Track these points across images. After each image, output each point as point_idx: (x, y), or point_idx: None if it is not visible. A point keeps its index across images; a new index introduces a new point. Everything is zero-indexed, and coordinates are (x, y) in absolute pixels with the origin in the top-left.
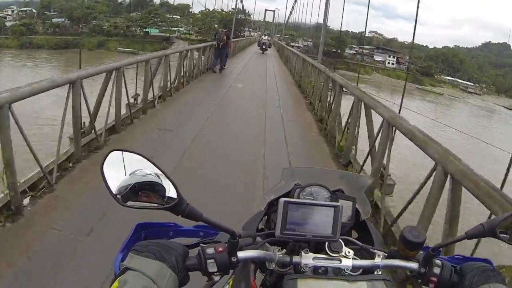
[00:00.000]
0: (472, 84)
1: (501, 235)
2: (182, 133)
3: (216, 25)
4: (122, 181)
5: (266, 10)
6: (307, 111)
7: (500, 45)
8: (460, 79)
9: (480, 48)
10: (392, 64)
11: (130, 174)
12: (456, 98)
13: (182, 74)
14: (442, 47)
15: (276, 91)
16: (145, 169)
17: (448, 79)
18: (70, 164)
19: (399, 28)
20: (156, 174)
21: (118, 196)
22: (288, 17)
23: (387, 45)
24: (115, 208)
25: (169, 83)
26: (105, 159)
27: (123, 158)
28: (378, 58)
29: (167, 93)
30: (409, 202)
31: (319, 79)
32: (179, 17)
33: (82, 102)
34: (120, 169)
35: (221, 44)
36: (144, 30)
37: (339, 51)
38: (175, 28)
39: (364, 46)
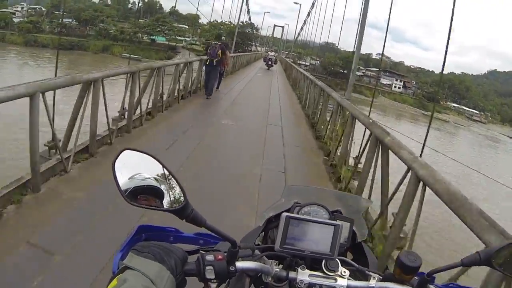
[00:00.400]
0: (477, 112)
1: (496, 264)
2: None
3: (223, 37)
4: (126, 182)
5: (275, 25)
6: (330, 181)
7: (506, 73)
8: (466, 107)
9: (485, 76)
10: (399, 88)
11: (135, 176)
12: (461, 126)
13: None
14: (448, 73)
15: (280, 136)
16: (154, 171)
17: (454, 106)
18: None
19: (406, 51)
20: (164, 176)
21: (129, 193)
22: (298, 33)
23: (394, 68)
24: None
25: (162, 98)
26: (117, 157)
27: (134, 158)
28: (385, 81)
29: (157, 110)
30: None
31: (351, 132)
32: (187, 26)
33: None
34: (130, 168)
35: (215, 60)
36: (151, 37)
37: (345, 71)
38: (182, 38)
39: (372, 69)
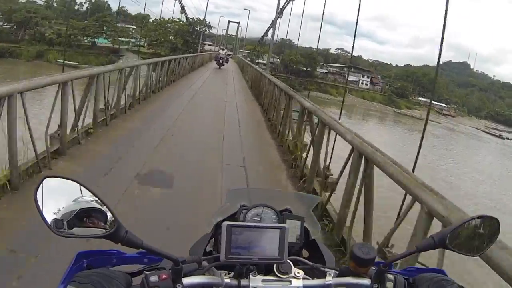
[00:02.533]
0: (446, 105)
1: (451, 245)
2: None
3: (171, 37)
4: (60, 208)
5: (229, 21)
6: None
7: (460, 64)
8: (425, 98)
9: (441, 67)
10: (366, 84)
11: (69, 201)
12: (437, 123)
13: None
14: (404, 65)
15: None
16: (83, 196)
17: (423, 101)
18: None
19: (361, 45)
20: (94, 200)
21: (57, 223)
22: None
23: (354, 63)
24: None
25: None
26: (38, 186)
27: (57, 185)
28: (351, 77)
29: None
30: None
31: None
32: (134, 27)
33: None
34: (56, 196)
35: None
36: (91, 40)
37: (309, 69)
38: (126, 39)
39: (334, 65)
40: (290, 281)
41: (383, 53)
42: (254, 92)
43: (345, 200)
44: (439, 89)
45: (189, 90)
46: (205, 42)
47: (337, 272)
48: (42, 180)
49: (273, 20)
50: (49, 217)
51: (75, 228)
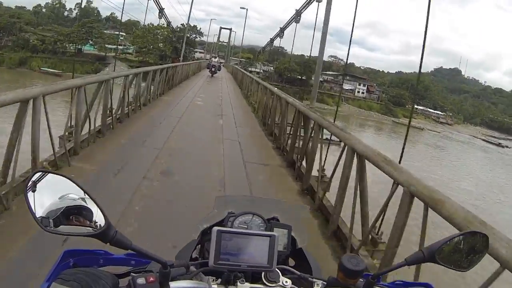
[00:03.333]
0: (441, 113)
1: (440, 260)
2: None
3: (161, 44)
4: (50, 204)
5: (221, 28)
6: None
7: (451, 70)
8: (426, 107)
9: (432, 73)
10: (362, 93)
11: (62, 196)
12: (436, 132)
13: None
14: (396, 72)
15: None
16: (73, 193)
17: (420, 109)
18: None
19: (352, 53)
20: (81, 198)
21: (45, 220)
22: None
23: (347, 71)
24: None
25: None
26: (29, 180)
27: (48, 180)
28: (347, 86)
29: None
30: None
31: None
32: (124, 33)
33: None
34: (46, 192)
35: None
36: (78, 46)
37: (304, 78)
38: (113, 46)
39: (329, 72)
40: None
41: (374, 60)
42: (249, 101)
43: (341, 190)
44: (434, 96)
45: (183, 101)
46: (196, 50)
47: (325, 283)
48: (33, 174)
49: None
50: (38, 212)
51: (61, 226)
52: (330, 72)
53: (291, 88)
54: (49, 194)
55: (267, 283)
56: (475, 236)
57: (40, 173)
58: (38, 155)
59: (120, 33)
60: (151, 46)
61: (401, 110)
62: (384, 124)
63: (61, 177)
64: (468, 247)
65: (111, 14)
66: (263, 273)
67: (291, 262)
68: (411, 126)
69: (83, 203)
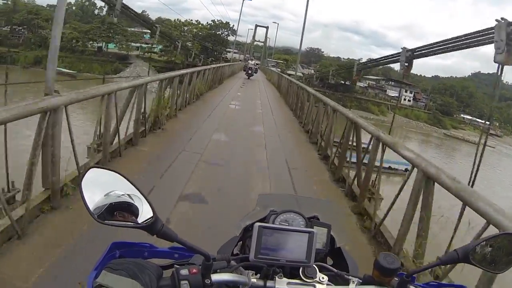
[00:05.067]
0: (488, 123)
1: (474, 261)
2: None
3: (189, 43)
4: (100, 199)
5: (256, 25)
6: None
7: (489, 75)
8: (469, 115)
9: (470, 78)
10: (409, 100)
11: (108, 193)
12: (491, 147)
13: None
14: (432, 76)
15: None
16: (123, 188)
17: (466, 119)
18: None
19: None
20: (133, 194)
21: (94, 214)
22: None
23: (387, 75)
24: None
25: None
26: (83, 176)
27: (101, 176)
28: (392, 92)
29: None
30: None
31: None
32: (149, 31)
33: None
34: (99, 186)
35: None
36: (98, 44)
37: (347, 83)
38: (137, 44)
39: (373, 77)
40: (314, 286)
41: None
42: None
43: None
44: (479, 104)
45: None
46: (229, 49)
47: (361, 281)
48: (87, 170)
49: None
50: (93, 205)
51: (105, 221)
52: (373, 77)
53: (333, 94)
54: (100, 189)
55: (304, 279)
56: (510, 238)
57: (95, 169)
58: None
59: (145, 30)
60: (178, 45)
61: (449, 120)
62: (436, 138)
63: (113, 172)
64: (504, 248)
65: (142, 11)
66: (301, 269)
67: (330, 261)
68: (463, 139)
69: (128, 199)
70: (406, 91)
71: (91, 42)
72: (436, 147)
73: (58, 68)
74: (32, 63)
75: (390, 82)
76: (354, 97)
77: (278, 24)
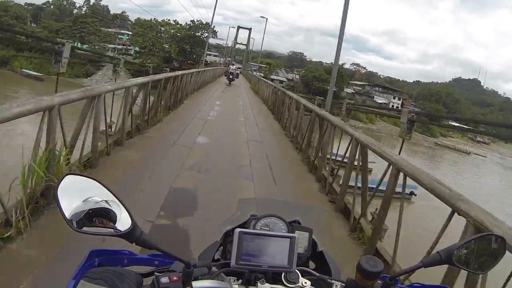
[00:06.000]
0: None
1: (457, 262)
2: None
3: (166, 45)
4: (77, 206)
5: (239, 27)
6: None
7: (471, 80)
8: (455, 122)
9: (451, 84)
10: (397, 107)
11: (85, 200)
12: (482, 156)
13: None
14: (413, 81)
15: None
16: (100, 195)
17: (455, 125)
18: None
19: (368, 60)
20: (111, 200)
21: (72, 221)
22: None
23: (370, 81)
24: None
25: None
26: (59, 183)
27: (77, 183)
28: (379, 99)
29: None
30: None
31: None
32: (129, 32)
33: None
34: (75, 193)
35: None
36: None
37: (335, 89)
38: (111, 45)
39: (358, 82)
40: None
41: (389, 68)
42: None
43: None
44: (464, 110)
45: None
46: (209, 52)
47: (344, 284)
48: (63, 177)
49: None
50: (69, 213)
51: (84, 227)
52: (360, 82)
53: (322, 101)
54: (77, 196)
55: (287, 284)
56: (492, 238)
57: (71, 176)
58: None
59: (122, 31)
60: (153, 47)
61: (438, 128)
62: (428, 148)
63: (90, 179)
64: (486, 249)
65: (122, 12)
66: (283, 274)
67: (312, 265)
68: (455, 148)
69: (106, 206)
70: (394, 98)
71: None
72: (428, 157)
73: (24, 70)
74: None
75: (377, 88)
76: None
77: (266, 19)
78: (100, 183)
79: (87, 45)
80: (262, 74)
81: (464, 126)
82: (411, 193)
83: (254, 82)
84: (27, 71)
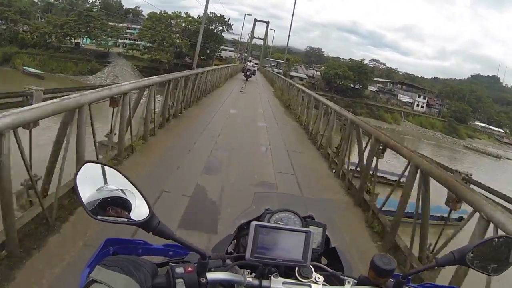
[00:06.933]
0: (499, 129)
1: (470, 263)
2: None
3: (178, 40)
4: (94, 193)
5: (255, 20)
6: None
7: (490, 77)
8: (478, 121)
9: (470, 80)
10: (422, 106)
11: (102, 187)
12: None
13: None
14: (431, 78)
15: None
16: (117, 183)
17: (481, 126)
18: None
19: (385, 56)
20: (128, 189)
21: (90, 208)
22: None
23: (390, 77)
24: None
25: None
26: (79, 170)
27: (97, 170)
28: (404, 98)
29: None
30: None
31: None
32: (139, 26)
33: None
34: (94, 181)
35: None
36: (75, 41)
37: (357, 87)
38: (120, 41)
39: (380, 79)
40: (310, 286)
41: (407, 64)
42: None
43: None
44: (488, 109)
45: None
46: (225, 48)
47: (356, 281)
48: (83, 164)
49: None
50: (92, 198)
51: (98, 217)
52: (381, 79)
53: (342, 99)
54: (94, 184)
55: (300, 278)
56: (507, 241)
57: (90, 163)
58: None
59: (134, 26)
60: (163, 41)
61: (464, 129)
62: (457, 152)
63: (109, 168)
64: (500, 252)
65: (135, 7)
66: (296, 269)
67: (324, 261)
68: (485, 153)
69: (120, 195)
70: (419, 96)
71: (68, 38)
72: (453, 160)
73: (25, 68)
74: (1, 61)
75: (400, 86)
76: (365, 104)
77: (267, 22)
78: (118, 171)
79: (93, 40)
80: (281, 71)
81: (490, 127)
82: (460, 219)
83: (279, 85)
84: (29, 68)
